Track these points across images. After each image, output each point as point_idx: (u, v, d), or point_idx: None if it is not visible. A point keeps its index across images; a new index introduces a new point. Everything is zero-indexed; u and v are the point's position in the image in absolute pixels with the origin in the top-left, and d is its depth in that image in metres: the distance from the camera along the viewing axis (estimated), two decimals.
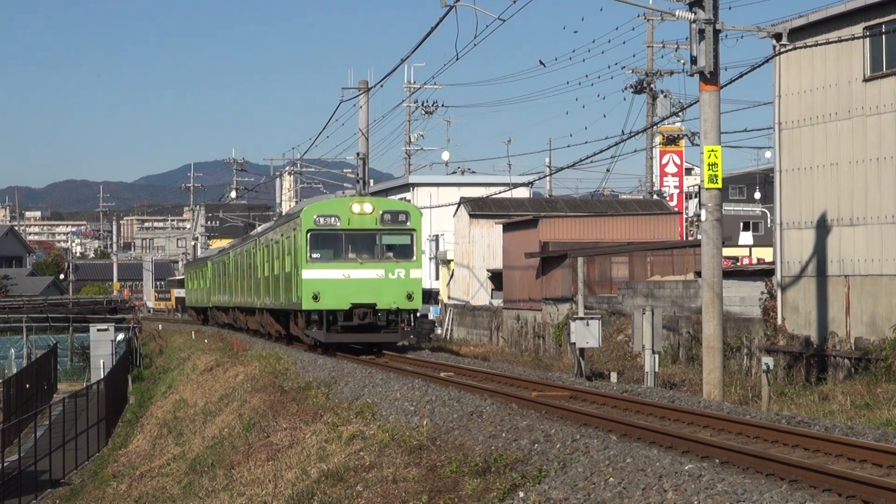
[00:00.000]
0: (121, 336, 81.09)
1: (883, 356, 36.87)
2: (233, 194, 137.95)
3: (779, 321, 42.41)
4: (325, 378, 35.71)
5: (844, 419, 26.67)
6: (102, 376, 58.40)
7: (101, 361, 71.32)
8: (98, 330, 77.42)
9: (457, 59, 40.80)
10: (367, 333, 45.16)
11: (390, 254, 45.09)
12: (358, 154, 54.35)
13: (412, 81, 74.76)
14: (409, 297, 44.72)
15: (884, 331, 37.81)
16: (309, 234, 44.75)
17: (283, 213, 72.16)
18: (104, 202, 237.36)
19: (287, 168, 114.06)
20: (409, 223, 45.40)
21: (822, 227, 40.73)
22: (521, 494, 16.74)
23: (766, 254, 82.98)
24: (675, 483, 15.38)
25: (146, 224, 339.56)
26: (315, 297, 44.00)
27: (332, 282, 44.53)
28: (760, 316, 44.91)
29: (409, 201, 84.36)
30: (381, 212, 45.09)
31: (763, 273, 48.12)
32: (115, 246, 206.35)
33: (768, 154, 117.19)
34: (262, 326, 60.69)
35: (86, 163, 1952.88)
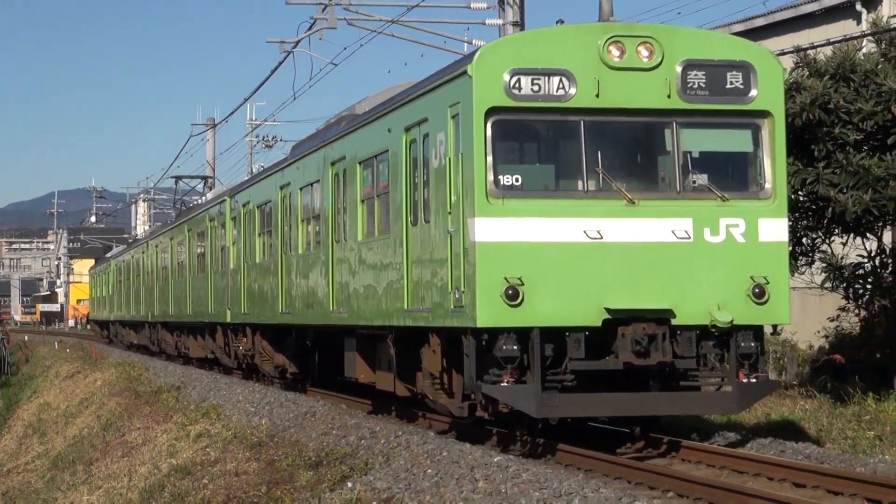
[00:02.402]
0: None
1: None
2: (93, 219, 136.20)
3: None
4: (175, 383, 35.34)
5: None
6: None
7: None
8: None
9: (294, 98, 40.61)
10: (644, 393, 17.87)
11: (702, 179, 18.09)
12: (205, 182, 54.70)
13: (254, 118, 74.03)
14: (759, 293, 17.63)
15: None
16: (492, 124, 17.27)
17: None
18: None
19: (141, 195, 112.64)
20: (751, 92, 17.97)
21: None
22: (350, 485, 16.62)
23: None
24: (486, 473, 15.34)
25: (14, 246, 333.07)
26: (513, 295, 16.95)
27: (557, 251, 17.34)
28: None
29: None
30: (679, 64, 17.75)
31: None
32: None
33: None
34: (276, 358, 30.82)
35: None
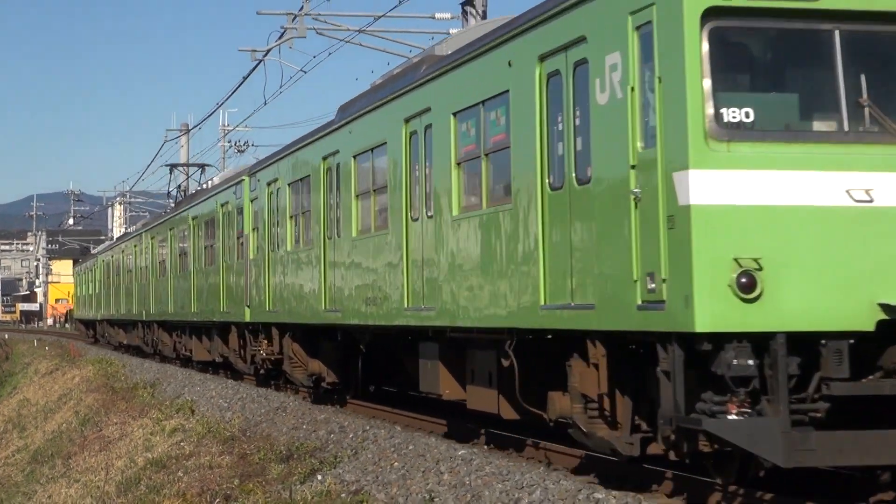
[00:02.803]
0: None
1: None
2: (70, 221, 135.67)
3: None
4: (151, 379, 35.29)
5: None
6: None
7: None
8: None
9: (265, 104, 40.75)
10: None
11: None
12: (179, 186, 54.37)
13: (226, 124, 74.00)
14: None
15: None
16: (710, 33, 11.58)
17: None
18: None
19: (118, 199, 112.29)
20: None
21: None
22: (319, 477, 16.66)
23: None
24: (451, 466, 15.42)
25: None
26: (749, 285, 11.23)
27: (808, 220, 11.49)
28: None
29: None
30: None
31: None
32: None
33: None
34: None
35: None
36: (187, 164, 56.79)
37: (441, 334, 17.78)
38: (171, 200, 54.53)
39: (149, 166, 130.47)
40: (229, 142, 76.20)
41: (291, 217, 25.27)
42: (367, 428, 19.56)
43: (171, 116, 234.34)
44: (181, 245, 38.22)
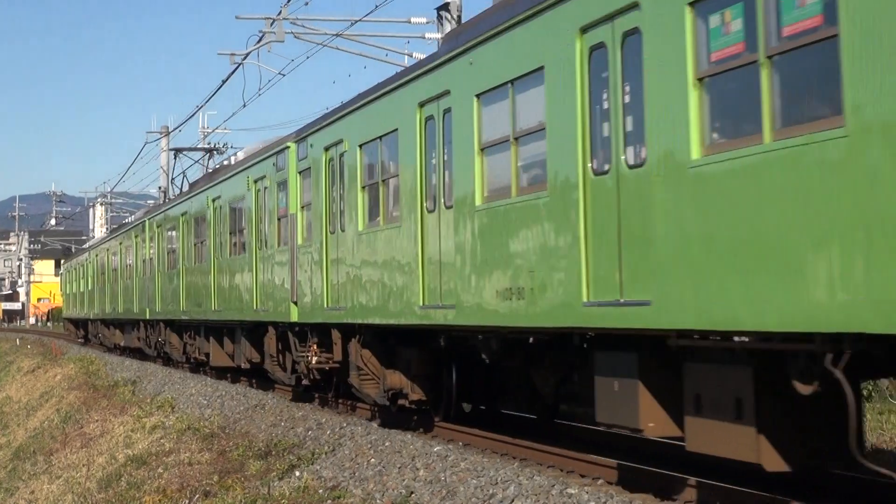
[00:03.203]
0: None
1: None
2: (52, 222, 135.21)
3: None
4: (131, 377, 35.14)
5: None
6: None
7: None
8: None
9: (244, 106, 40.58)
10: None
11: None
12: (160, 188, 53.89)
13: (206, 126, 73.78)
14: None
15: None
16: None
17: None
18: None
19: (99, 199, 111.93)
20: None
21: None
22: (297, 473, 16.58)
23: None
24: (426, 462, 15.34)
25: None
26: None
27: None
28: None
29: None
30: None
31: None
32: None
33: None
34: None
35: None
36: (193, 149, 49.41)
37: (642, 340, 12.48)
38: (169, 191, 48.81)
39: (129, 167, 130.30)
40: (209, 143, 76.09)
41: (364, 188, 19.63)
42: (345, 425, 19.47)
43: (152, 119, 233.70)
44: (196, 233, 32.68)
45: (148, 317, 40.41)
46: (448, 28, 28.32)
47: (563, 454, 16.27)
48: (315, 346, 22.54)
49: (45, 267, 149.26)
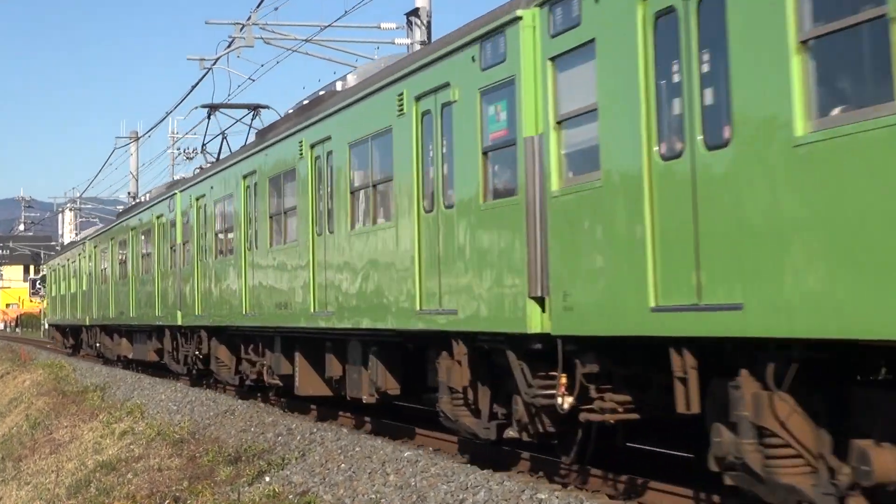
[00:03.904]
0: None
1: None
2: (21, 227, 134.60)
3: None
4: (101, 383, 34.99)
5: None
6: None
7: None
8: None
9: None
10: None
11: None
12: (129, 193, 53.64)
13: (175, 131, 73.64)
14: None
15: None
16: None
17: None
18: None
19: (68, 205, 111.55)
20: None
21: None
22: (267, 479, 16.53)
23: None
24: (397, 468, 15.31)
25: None
26: None
27: None
28: None
29: None
30: None
31: None
32: None
33: None
34: None
35: None
36: (230, 105, 37.27)
37: None
38: (205, 154, 38.62)
39: (98, 173, 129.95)
40: (178, 149, 75.70)
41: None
42: (315, 430, 19.42)
43: (121, 124, 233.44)
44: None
45: (180, 322, 29.74)
46: (418, 34, 28.31)
47: (534, 457, 16.29)
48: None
49: (13, 273, 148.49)
